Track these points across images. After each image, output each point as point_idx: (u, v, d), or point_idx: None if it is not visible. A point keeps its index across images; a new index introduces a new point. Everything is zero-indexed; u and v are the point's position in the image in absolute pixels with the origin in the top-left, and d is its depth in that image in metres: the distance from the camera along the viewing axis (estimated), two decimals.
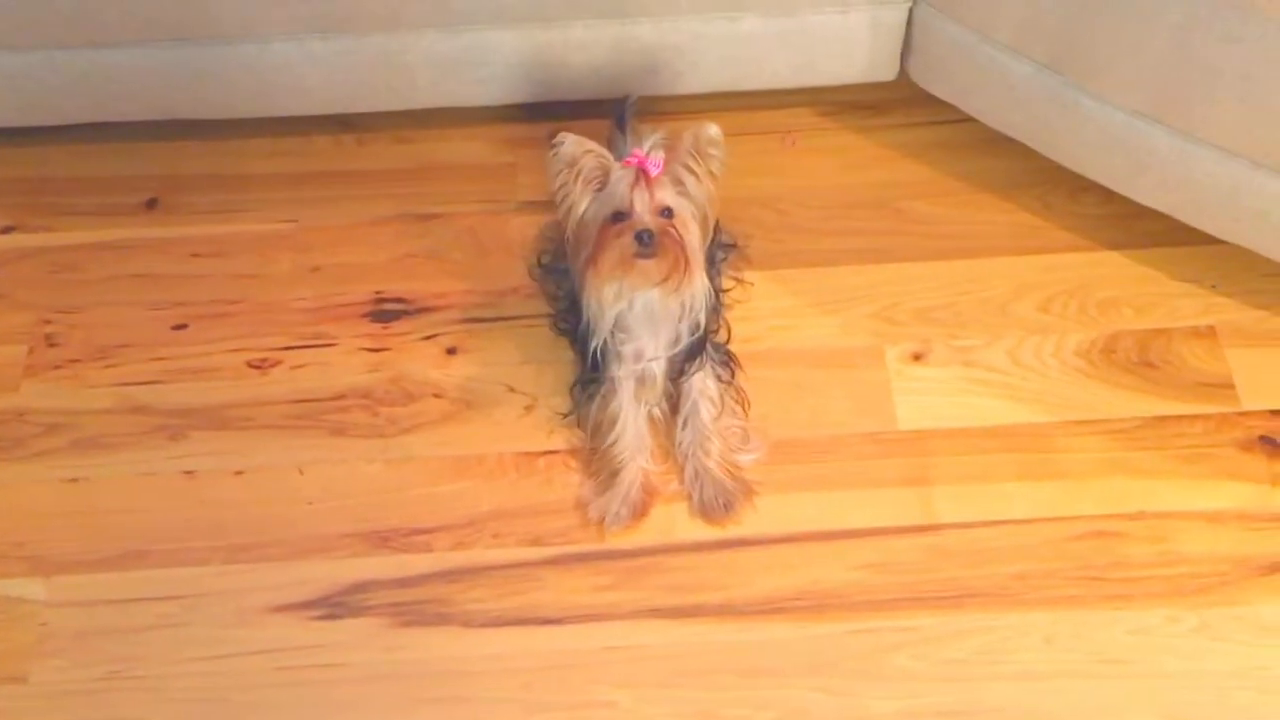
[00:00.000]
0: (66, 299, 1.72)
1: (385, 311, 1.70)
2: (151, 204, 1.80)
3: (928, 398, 1.61)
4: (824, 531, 1.52)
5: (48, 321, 1.70)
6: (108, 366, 1.66)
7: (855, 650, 1.45)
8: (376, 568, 1.52)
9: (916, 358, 1.64)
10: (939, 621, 1.46)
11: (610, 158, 1.43)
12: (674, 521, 1.54)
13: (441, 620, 1.49)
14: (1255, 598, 1.46)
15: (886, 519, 1.53)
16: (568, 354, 1.63)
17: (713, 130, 1.40)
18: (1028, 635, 1.45)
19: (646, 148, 1.41)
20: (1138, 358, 1.63)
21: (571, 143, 1.40)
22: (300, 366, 1.66)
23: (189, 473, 1.58)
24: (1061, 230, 1.73)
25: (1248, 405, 1.59)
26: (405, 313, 1.70)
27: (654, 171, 1.39)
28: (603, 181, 1.42)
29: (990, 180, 1.78)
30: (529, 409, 1.62)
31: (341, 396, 1.63)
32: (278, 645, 1.47)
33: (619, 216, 1.40)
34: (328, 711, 1.44)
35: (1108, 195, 1.65)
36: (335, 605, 1.50)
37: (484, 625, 1.48)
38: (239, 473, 1.58)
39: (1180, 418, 1.58)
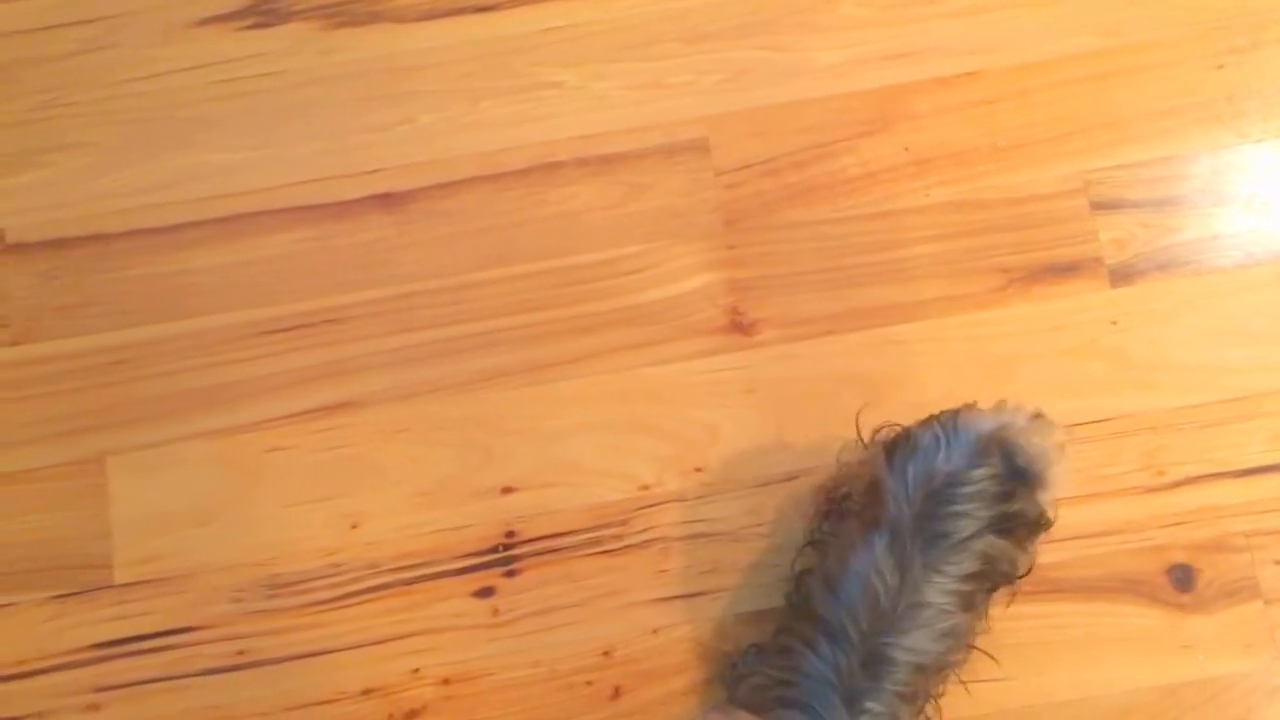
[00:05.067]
0: None
1: None
2: None
3: None
4: None
5: None
6: None
7: (798, 4, 1.43)
8: None
9: None
10: None
11: None
12: None
13: (374, 18, 1.44)
14: None
15: None
16: None
17: None
18: None
19: None
20: None
21: None
22: None
23: None
24: None
25: None
26: None
27: None
28: None
29: None
30: None
31: None
32: (210, 59, 1.43)
33: None
34: (270, 118, 1.42)
35: None
36: (264, 14, 1.44)
37: (418, 19, 1.44)
38: None
39: None
